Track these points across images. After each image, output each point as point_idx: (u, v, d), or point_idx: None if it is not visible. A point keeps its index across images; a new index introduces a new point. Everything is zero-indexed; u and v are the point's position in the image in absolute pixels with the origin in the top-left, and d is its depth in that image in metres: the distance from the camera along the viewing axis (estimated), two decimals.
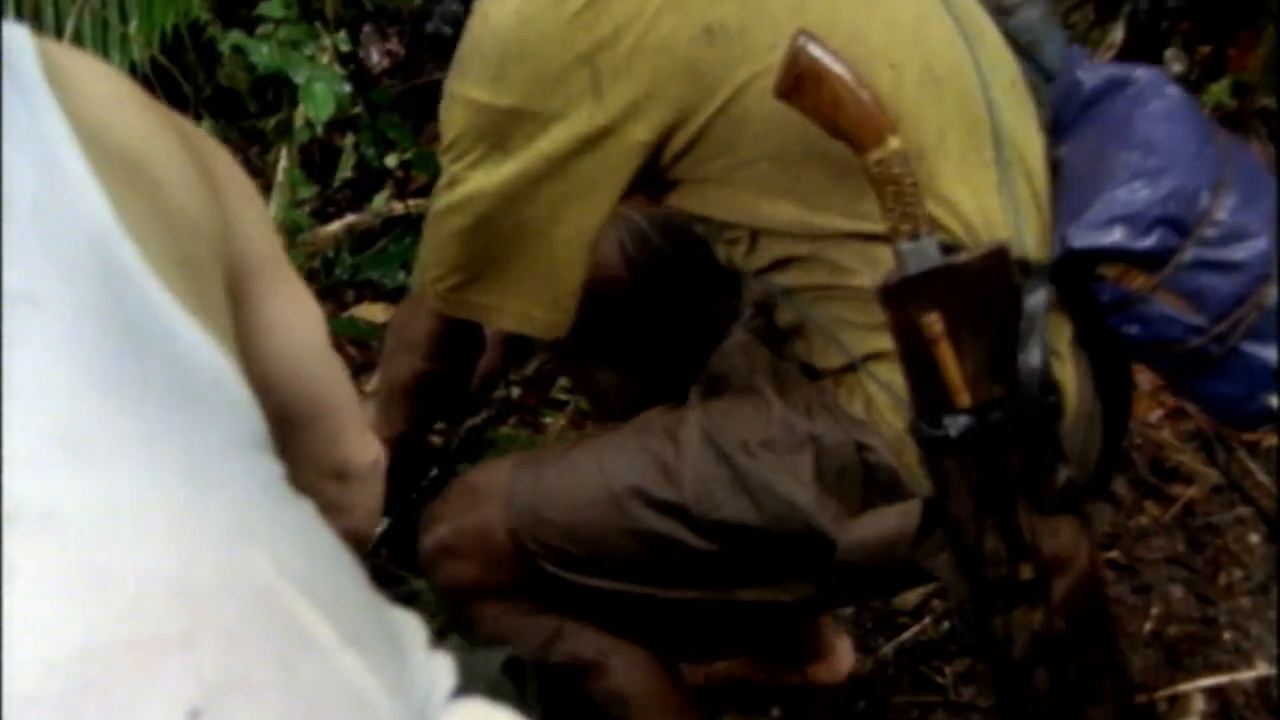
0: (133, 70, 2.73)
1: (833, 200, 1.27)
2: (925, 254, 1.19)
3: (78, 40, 2.66)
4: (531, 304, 1.35)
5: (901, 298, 1.21)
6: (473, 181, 1.29)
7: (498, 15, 1.24)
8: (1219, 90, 2.90)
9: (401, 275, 2.70)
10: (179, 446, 0.64)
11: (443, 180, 1.34)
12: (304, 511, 0.73)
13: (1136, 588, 1.98)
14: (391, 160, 2.95)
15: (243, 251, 0.88)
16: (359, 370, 2.52)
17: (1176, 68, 2.99)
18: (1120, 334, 1.30)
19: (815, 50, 1.16)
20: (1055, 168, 1.36)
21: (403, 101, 3.12)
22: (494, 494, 1.44)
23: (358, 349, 2.58)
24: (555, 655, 1.46)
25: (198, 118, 2.83)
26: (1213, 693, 1.82)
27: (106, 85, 0.75)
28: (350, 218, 2.73)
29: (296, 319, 1.00)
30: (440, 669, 0.80)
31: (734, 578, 1.41)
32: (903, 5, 1.29)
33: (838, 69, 1.16)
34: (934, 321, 1.19)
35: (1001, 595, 1.30)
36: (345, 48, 2.66)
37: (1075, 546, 1.30)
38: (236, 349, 0.76)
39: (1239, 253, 1.25)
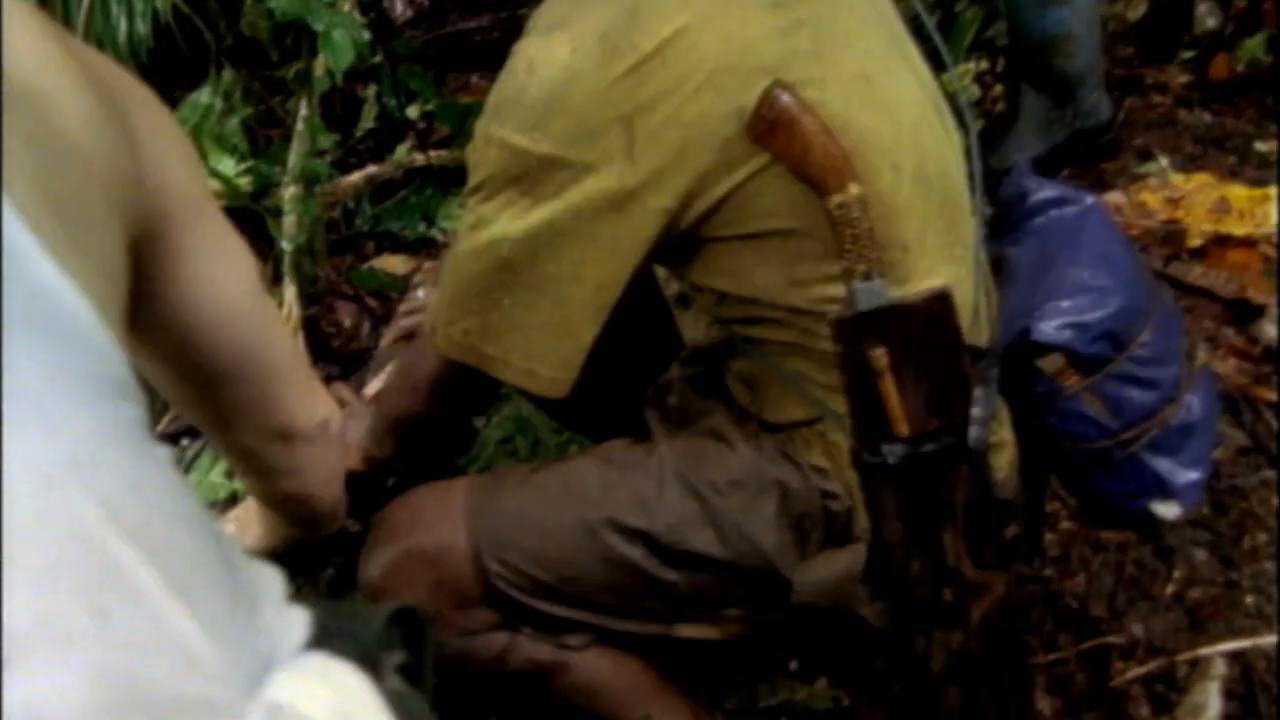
0: (155, 19, 2.71)
1: (819, 277, 1.32)
2: (876, 293, 1.29)
3: None
4: (539, 361, 1.37)
5: (853, 332, 1.31)
6: (498, 225, 1.31)
7: (545, 66, 1.26)
8: (1254, 45, 2.85)
9: (422, 227, 2.69)
10: (6, 384, 0.61)
11: (467, 220, 1.35)
12: (154, 460, 0.70)
13: (1159, 550, 1.96)
14: (413, 111, 2.93)
15: (160, 196, 0.86)
16: (378, 322, 2.51)
17: (1211, 23, 2.94)
18: (1041, 422, 1.46)
19: (788, 99, 1.24)
20: (997, 263, 1.51)
21: (425, 52, 3.09)
22: (450, 516, 1.47)
23: (377, 301, 2.56)
24: (513, 664, 1.50)
25: (219, 67, 2.81)
26: (1234, 657, 1.81)
27: (8, 18, 0.72)
28: (371, 168, 2.70)
29: (223, 268, 0.97)
30: (293, 624, 0.78)
31: (679, 611, 1.47)
32: (905, 110, 1.35)
33: (807, 118, 1.24)
34: (880, 355, 1.30)
35: (924, 615, 1.40)
36: None
37: (995, 573, 1.40)
38: (116, 296, 0.74)
39: (1158, 374, 1.46)
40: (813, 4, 1.27)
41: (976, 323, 1.39)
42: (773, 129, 1.24)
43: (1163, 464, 1.48)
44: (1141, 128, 2.77)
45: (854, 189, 1.26)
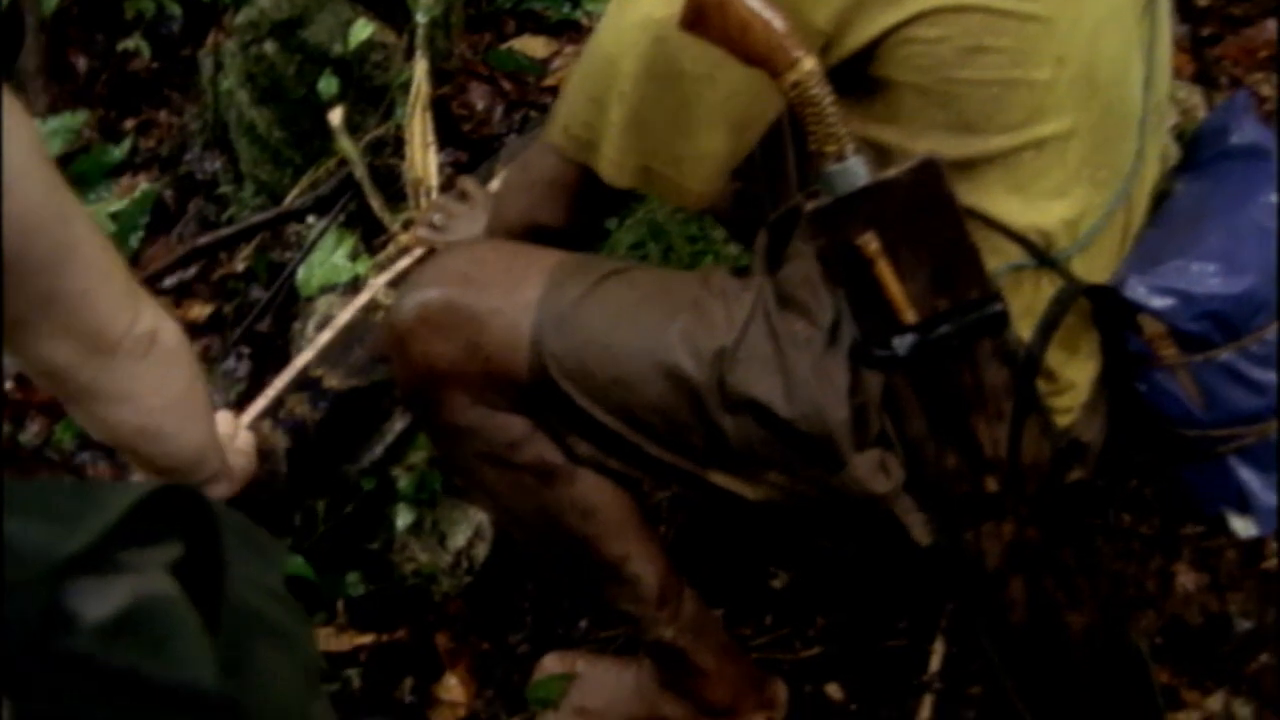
0: None
1: (945, 146, 1.23)
2: (854, 174, 1.18)
3: None
4: (652, 158, 1.30)
5: (834, 221, 1.20)
6: (644, 5, 1.23)
7: None
8: None
9: (566, 8, 2.56)
10: None
11: (613, 3, 1.28)
12: None
13: None
14: None
15: None
16: (512, 107, 2.42)
17: None
18: (1130, 383, 1.31)
19: None
20: (1162, 197, 1.37)
21: None
22: (521, 282, 1.39)
23: (513, 84, 2.45)
24: (522, 456, 1.44)
25: None
26: None
27: None
28: None
29: None
30: None
31: (718, 457, 1.38)
32: (1094, 6, 1.24)
33: None
34: (869, 240, 1.19)
35: (968, 511, 1.30)
36: None
37: (1040, 450, 1.30)
38: None
39: (1269, 378, 1.27)
40: None
41: (1105, 258, 1.30)
42: (702, 14, 1.14)
43: (1250, 476, 1.31)
44: None
45: (807, 64, 1.14)
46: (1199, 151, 1.41)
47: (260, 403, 1.86)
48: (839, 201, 1.18)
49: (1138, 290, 1.27)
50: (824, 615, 1.84)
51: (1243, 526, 1.34)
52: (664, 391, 1.34)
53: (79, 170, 2.50)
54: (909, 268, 1.20)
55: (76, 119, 2.57)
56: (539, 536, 1.54)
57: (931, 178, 1.18)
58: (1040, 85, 1.21)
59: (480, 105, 2.41)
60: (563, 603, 1.90)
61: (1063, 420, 1.33)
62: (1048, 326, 1.27)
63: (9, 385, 2.20)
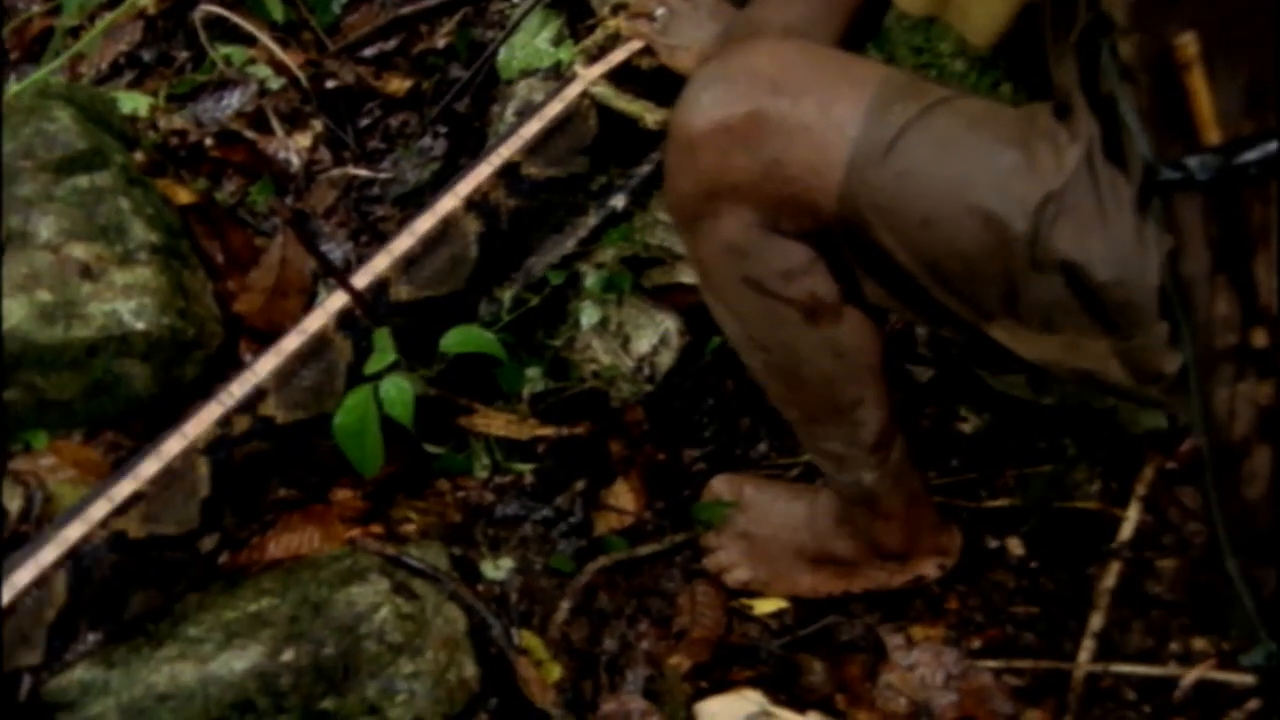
0: None
1: None
2: None
3: None
4: None
5: (1156, 13, 1.09)
6: None
7: None
8: None
9: None
10: None
11: None
12: None
13: None
14: None
15: None
16: None
17: None
18: None
19: None
20: None
21: None
22: (843, 96, 1.27)
23: None
24: (792, 288, 1.35)
25: None
26: None
27: None
28: None
29: None
30: None
31: (1008, 313, 1.28)
32: None
33: None
34: (1189, 43, 1.08)
35: (1230, 365, 1.19)
36: None
37: None
38: None
39: None
40: None
41: None
42: None
43: None
44: None
45: None
46: None
47: (461, 187, 1.82)
48: None
49: None
50: (1013, 466, 1.77)
51: None
52: (975, 238, 1.24)
53: None
54: (1224, 80, 1.09)
55: None
56: (774, 366, 1.47)
57: None
58: None
59: None
60: (744, 422, 1.86)
61: None
62: None
63: (209, 141, 2.19)
